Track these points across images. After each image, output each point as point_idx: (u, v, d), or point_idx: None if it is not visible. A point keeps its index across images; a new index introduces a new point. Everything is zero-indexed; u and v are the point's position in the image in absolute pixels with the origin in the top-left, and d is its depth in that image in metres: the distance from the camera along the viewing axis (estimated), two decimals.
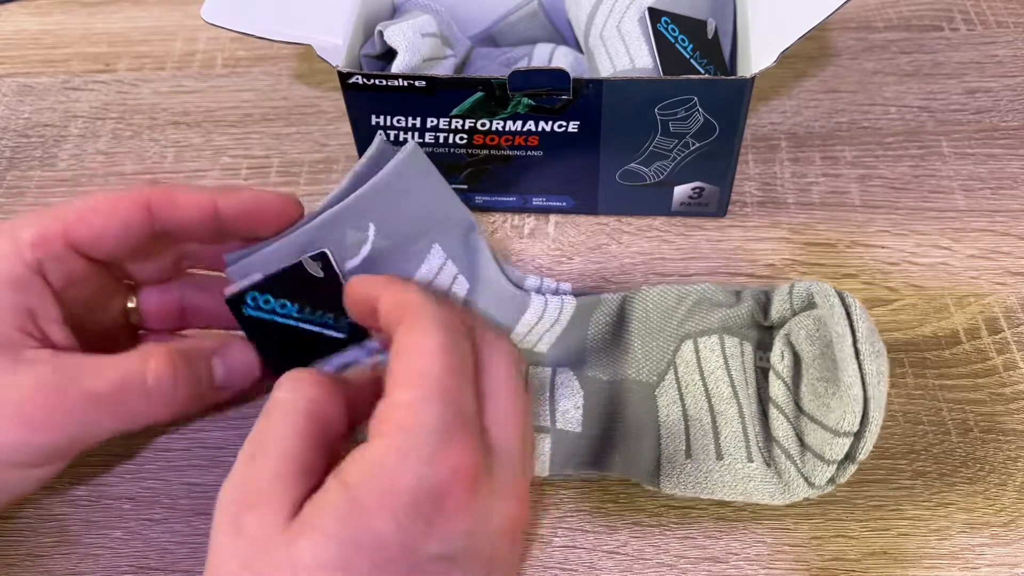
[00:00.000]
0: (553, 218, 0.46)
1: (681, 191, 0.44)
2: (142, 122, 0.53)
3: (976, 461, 0.37)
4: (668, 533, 0.35)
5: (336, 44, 0.41)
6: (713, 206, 0.45)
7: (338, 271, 0.34)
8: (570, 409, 0.35)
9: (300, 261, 0.34)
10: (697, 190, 0.44)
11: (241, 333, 0.35)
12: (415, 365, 0.26)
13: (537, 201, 0.46)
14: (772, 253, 0.44)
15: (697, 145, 0.42)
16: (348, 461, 0.26)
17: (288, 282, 0.34)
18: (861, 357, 0.31)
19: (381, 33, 0.43)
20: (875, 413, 0.30)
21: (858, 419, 0.30)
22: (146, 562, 0.36)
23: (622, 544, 0.35)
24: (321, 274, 0.34)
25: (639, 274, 0.44)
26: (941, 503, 0.36)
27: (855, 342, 0.31)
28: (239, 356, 0.35)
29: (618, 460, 0.35)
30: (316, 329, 0.35)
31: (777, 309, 0.35)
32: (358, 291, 0.31)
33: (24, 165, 0.51)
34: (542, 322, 0.37)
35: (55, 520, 0.37)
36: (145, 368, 0.31)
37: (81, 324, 0.33)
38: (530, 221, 0.46)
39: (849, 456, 0.31)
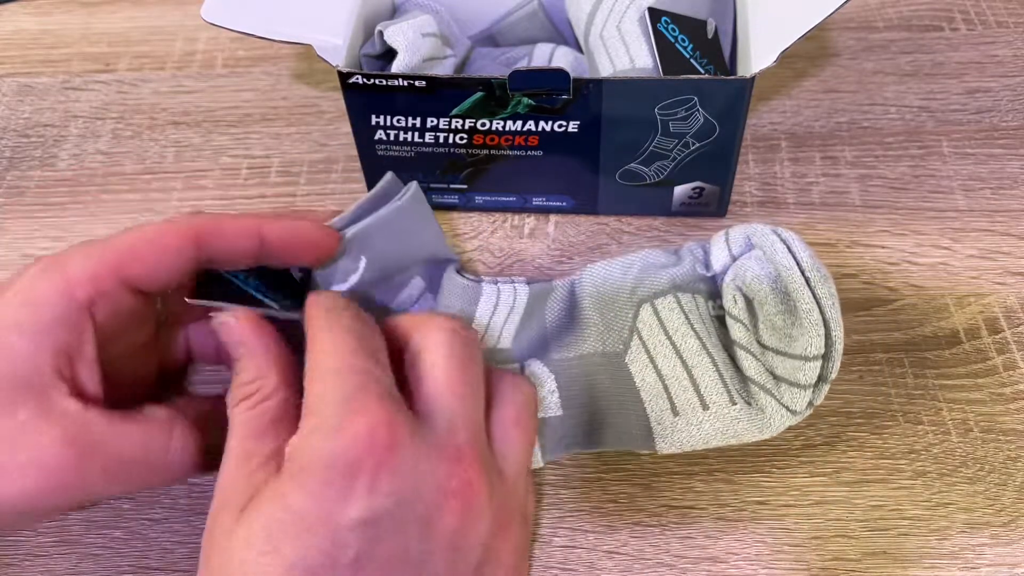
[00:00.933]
0: (553, 218, 0.46)
1: (681, 191, 0.44)
2: (142, 122, 0.53)
3: (976, 461, 0.37)
4: (668, 533, 0.36)
5: (336, 44, 0.41)
6: (713, 206, 0.45)
7: (316, 281, 0.36)
8: (546, 395, 0.36)
9: (287, 269, 0.36)
10: (697, 190, 0.44)
11: None
12: (317, 361, 0.29)
13: (537, 201, 0.46)
14: None
15: (697, 145, 0.42)
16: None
17: (272, 277, 0.36)
18: (812, 284, 0.33)
19: (381, 33, 0.43)
20: (836, 332, 0.33)
21: (823, 341, 0.32)
22: (146, 562, 0.36)
23: (622, 544, 0.35)
24: (300, 274, 0.37)
25: None
26: (941, 503, 0.36)
27: (802, 271, 0.33)
28: None
29: (608, 434, 0.35)
30: (259, 296, 0.35)
31: (717, 258, 0.36)
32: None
33: (24, 165, 0.51)
34: (499, 309, 0.38)
35: (55, 520, 0.37)
36: (168, 439, 0.31)
37: (110, 354, 0.32)
38: (530, 221, 0.46)
39: (821, 378, 0.33)
